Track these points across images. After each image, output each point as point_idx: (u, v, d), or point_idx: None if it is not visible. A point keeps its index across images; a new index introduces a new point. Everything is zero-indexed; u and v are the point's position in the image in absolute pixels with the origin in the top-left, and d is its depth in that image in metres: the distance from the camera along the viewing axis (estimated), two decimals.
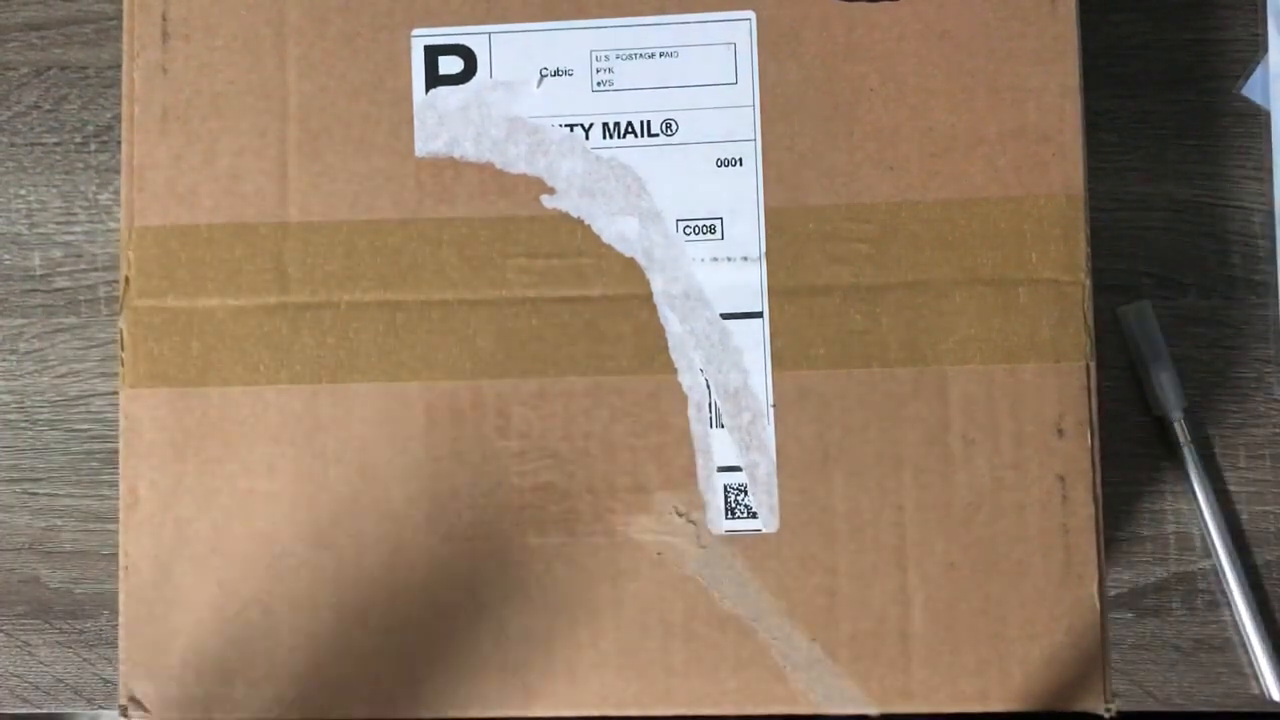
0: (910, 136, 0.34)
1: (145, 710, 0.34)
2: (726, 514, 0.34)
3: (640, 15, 0.35)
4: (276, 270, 0.35)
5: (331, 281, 0.35)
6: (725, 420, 0.34)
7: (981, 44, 0.34)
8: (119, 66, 0.41)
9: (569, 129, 0.35)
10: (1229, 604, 0.42)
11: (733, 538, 0.34)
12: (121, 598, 0.35)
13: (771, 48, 0.35)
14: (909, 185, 0.34)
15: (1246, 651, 0.42)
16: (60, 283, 0.45)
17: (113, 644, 0.44)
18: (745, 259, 0.35)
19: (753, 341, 0.34)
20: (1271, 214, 0.43)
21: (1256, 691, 0.42)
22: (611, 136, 0.35)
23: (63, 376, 0.45)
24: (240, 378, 0.35)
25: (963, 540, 0.34)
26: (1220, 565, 0.42)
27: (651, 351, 0.34)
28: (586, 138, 0.35)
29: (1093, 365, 0.34)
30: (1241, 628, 0.42)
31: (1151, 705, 0.42)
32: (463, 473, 0.35)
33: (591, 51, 0.35)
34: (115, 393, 0.35)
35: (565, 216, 0.35)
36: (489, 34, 0.35)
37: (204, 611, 0.35)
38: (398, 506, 0.35)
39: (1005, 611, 0.34)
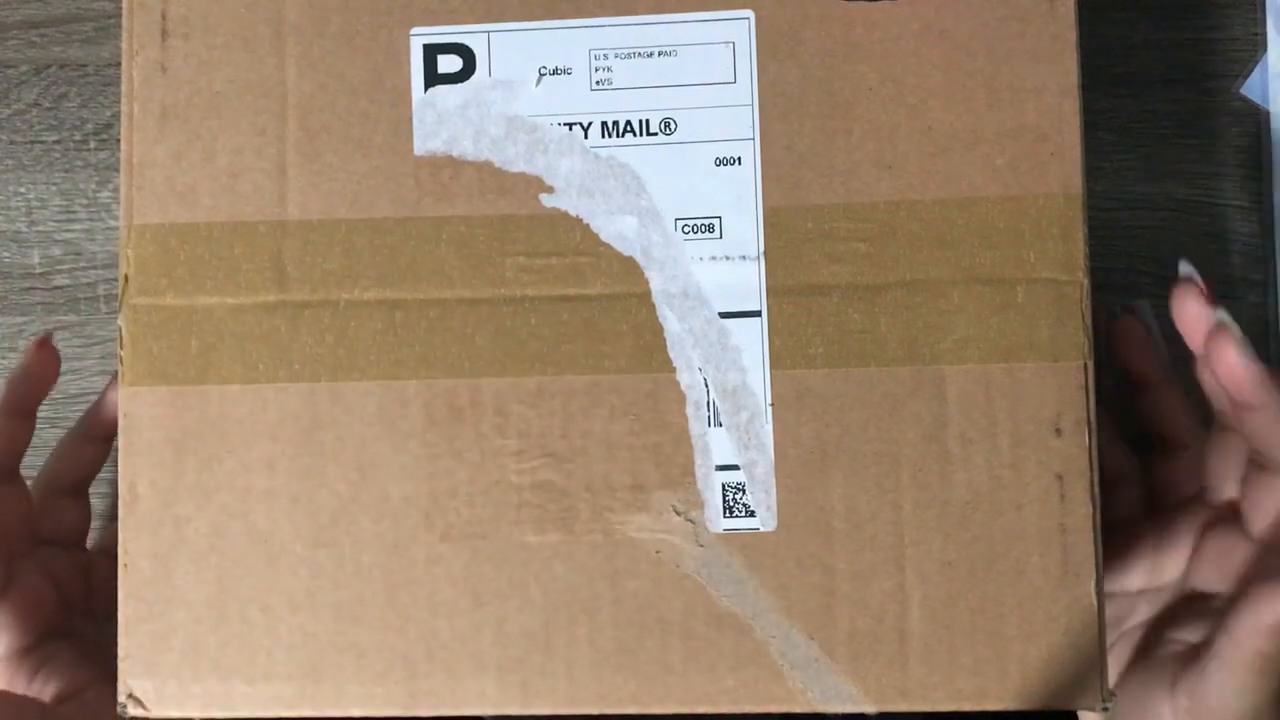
0: (909, 136, 0.34)
1: (144, 707, 0.35)
2: (725, 513, 0.34)
3: (639, 14, 0.35)
4: (275, 268, 0.35)
5: (330, 280, 0.35)
6: (723, 419, 0.34)
7: (980, 43, 0.34)
8: (118, 64, 0.41)
9: (568, 128, 0.35)
10: None
11: (731, 536, 0.34)
12: (121, 596, 0.35)
13: (770, 47, 0.35)
14: (907, 185, 0.34)
15: None
16: (59, 280, 0.45)
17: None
18: (744, 258, 0.35)
19: (751, 340, 0.34)
20: (1271, 214, 0.43)
21: None
22: (610, 135, 0.35)
23: (62, 375, 0.45)
24: (239, 376, 0.35)
25: (961, 539, 0.34)
26: None
27: (650, 350, 0.35)
28: (585, 136, 0.35)
29: (1091, 365, 0.34)
30: None
31: None
32: (461, 471, 0.35)
33: (590, 50, 0.35)
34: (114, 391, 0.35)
35: (564, 215, 0.35)
36: (488, 33, 0.35)
37: (203, 609, 0.35)
38: (396, 505, 0.35)
39: (1003, 610, 0.34)
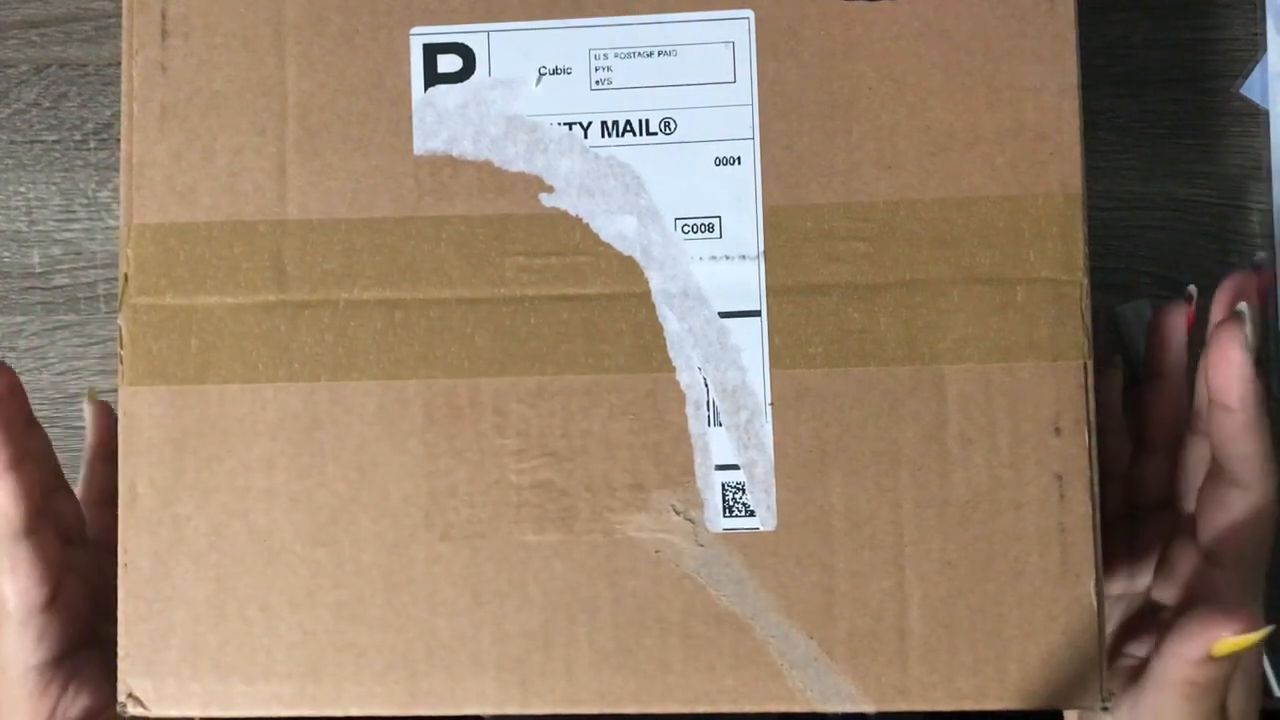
0: (908, 135, 0.34)
1: (143, 706, 0.35)
2: (724, 512, 0.34)
3: (639, 14, 0.35)
4: (275, 268, 0.35)
5: (330, 279, 0.35)
6: (723, 418, 0.34)
7: (980, 43, 0.34)
8: (118, 64, 0.41)
9: (567, 127, 0.35)
10: None
11: (730, 536, 0.34)
12: (120, 594, 0.35)
13: (770, 47, 0.35)
14: (907, 184, 0.34)
15: None
16: (59, 280, 0.45)
17: None
18: (743, 257, 0.35)
19: (751, 340, 0.34)
20: (1270, 213, 0.43)
21: None
22: (610, 135, 0.35)
23: (62, 374, 0.45)
24: (239, 375, 0.35)
25: (960, 539, 0.34)
26: None
27: (649, 350, 0.35)
28: (585, 136, 0.35)
29: (1090, 364, 0.34)
30: None
31: None
32: (461, 470, 0.35)
33: (590, 50, 0.35)
34: (114, 390, 0.35)
35: (564, 215, 0.35)
36: (488, 32, 0.35)
37: (202, 608, 0.35)
38: (395, 504, 0.35)
39: (1002, 610, 0.34)
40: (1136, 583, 0.38)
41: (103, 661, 0.37)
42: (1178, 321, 0.38)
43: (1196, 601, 0.34)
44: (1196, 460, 0.36)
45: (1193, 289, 0.38)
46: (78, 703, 0.36)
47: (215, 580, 0.35)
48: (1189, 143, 0.43)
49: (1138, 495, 0.39)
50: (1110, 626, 0.37)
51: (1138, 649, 0.36)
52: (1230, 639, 0.31)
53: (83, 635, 0.37)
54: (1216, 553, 0.34)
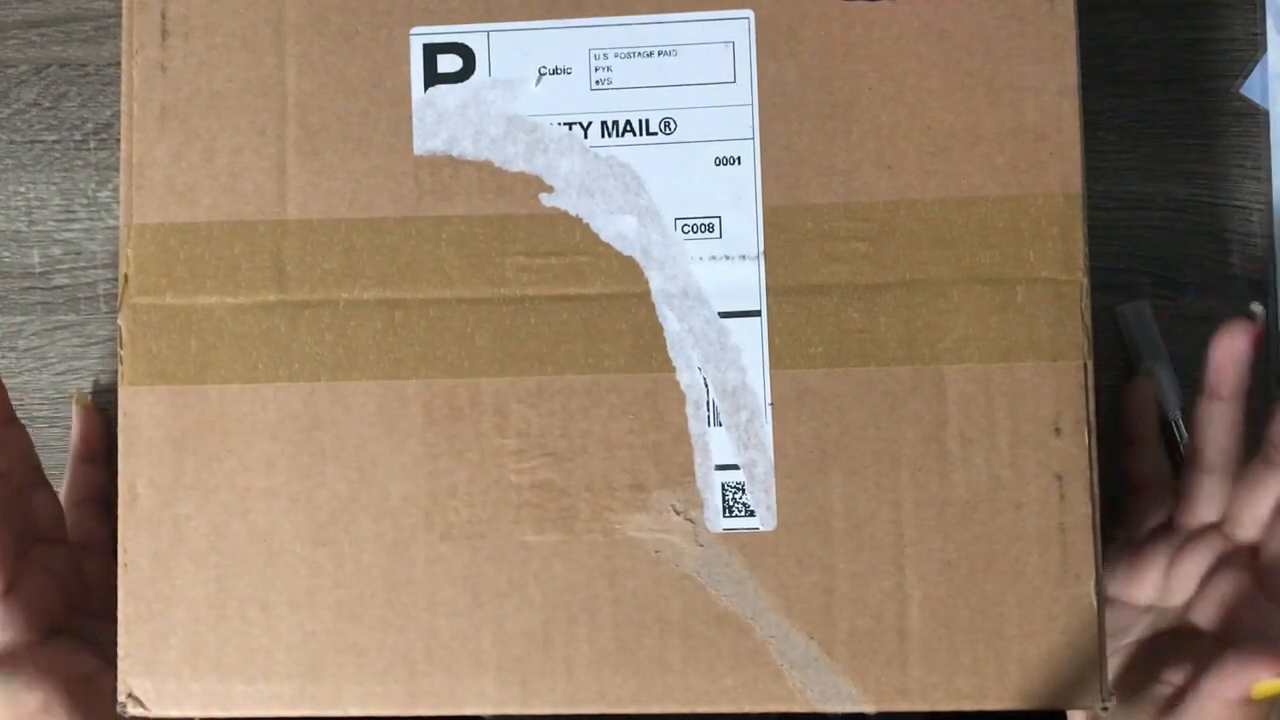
0: (908, 135, 0.34)
1: (143, 707, 0.35)
2: (724, 512, 0.34)
3: (639, 14, 0.35)
4: (275, 268, 0.35)
5: (330, 279, 0.35)
6: (723, 418, 0.34)
7: (979, 43, 0.34)
8: (118, 64, 0.41)
9: (567, 127, 0.35)
10: None
11: (730, 536, 0.34)
12: (120, 594, 0.35)
13: (770, 47, 0.35)
14: (907, 184, 0.34)
15: None
16: (59, 280, 0.45)
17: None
18: (743, 257, 0.35)
19: (751, 340, 0.34)
20: (1270, 213, 0.43)
21: None
22: (610, 135, 0.35)
23: (62, 374, 0.45)
24: (239, 375, 0.35)
25: (960, 539, 0.34)
26: None
27: (649, 349, 0.35)
28: (585, 136, 0.35)
29: (1090, 364, 0.34)
30: None
31: None
32: (461, 470, 0.35)
33: (590, 50, 0.35)
34: (114, 390, 0.35)
35: (564, 215, 0.35)
36: (488, 32, 0.35)
37: (202, 608, 0.35)
38: (395, 504, 0.35)
39: (1002, 610, 0.34)
40: (1169, 597, 0.37)
41: (67, 655, 0.37)
42: (1241, 341, 0.37)
43: (1241, 634, 0.34)
44: (1261, 489, 0.35)
45: (1258, 307, 0.38)
46: (34, 694, 0.36)
47: (215, 580, 0.35)
48: (1189, 143, 0.43)
49: (1186, 513, 0.38)
50: (1133, 636, 0.37)
51: (1174, 675, 0.35)
52: (1271, 681, 0.30)
53: (45, 629, 0.37)
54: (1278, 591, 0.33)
